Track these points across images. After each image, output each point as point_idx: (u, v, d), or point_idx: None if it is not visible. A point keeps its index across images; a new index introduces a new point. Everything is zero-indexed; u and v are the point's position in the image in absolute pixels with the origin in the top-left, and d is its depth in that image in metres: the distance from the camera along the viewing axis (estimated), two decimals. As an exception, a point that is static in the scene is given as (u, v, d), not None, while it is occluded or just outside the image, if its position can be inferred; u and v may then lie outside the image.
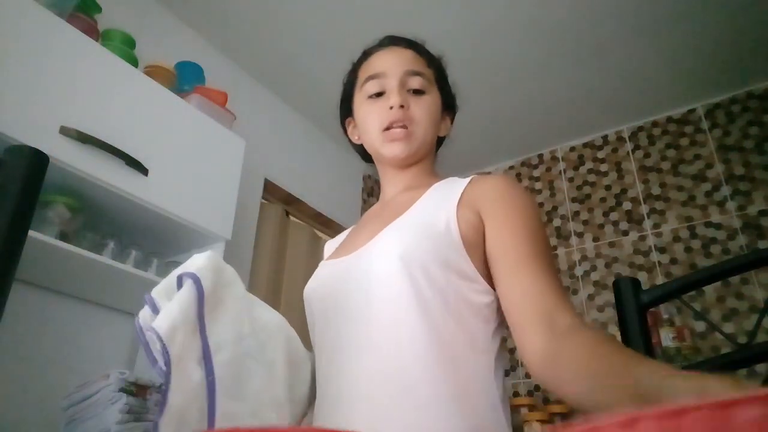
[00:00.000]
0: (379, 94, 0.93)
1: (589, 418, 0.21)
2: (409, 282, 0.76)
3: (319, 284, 0.95)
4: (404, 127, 0.90)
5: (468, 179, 0.88)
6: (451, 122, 1.06)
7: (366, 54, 1.03)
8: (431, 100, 0.95)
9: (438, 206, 0.84)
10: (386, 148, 0.92)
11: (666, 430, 0.18)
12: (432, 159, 1.02)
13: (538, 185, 3.13)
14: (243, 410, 0.71)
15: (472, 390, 0.74)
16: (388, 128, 0.91)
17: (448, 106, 1.02)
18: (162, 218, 1.73)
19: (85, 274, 1.57)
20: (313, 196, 2.86)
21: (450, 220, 0.81)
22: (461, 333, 0.76)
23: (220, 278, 0.76)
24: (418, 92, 0.93)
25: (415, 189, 0.93)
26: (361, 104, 0.96)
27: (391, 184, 0.99)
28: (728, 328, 2.36)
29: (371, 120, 0.93)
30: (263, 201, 2.59)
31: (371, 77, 0.95)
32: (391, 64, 0.94)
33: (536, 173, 3.17)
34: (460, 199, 0.84)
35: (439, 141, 1.05)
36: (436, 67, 1.00)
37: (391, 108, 0.90)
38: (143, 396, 1.42)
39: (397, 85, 0.92)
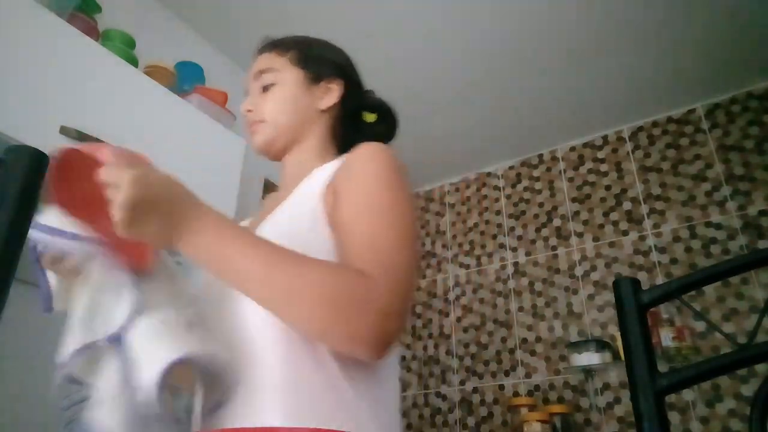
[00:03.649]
0: None
1: None
2: None
3: None
4: (259, 122, 0.95)
5: (342, 158, 0.84)
6: (346, 86, 0.99)
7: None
8: (281, 87, 0.95)
9: (303, 200, 0.82)
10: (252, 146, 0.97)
11: None
12: (320, 140, 0.96)
13: (538, 185, 3.13)
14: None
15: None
16: (248, 130, 0.97)
17: (322, 75, 0.97)
18: (162, 218, 1.73)
19: (85, 274, 1.56)
20: (313, 196, 2.85)
21: (316, 211, 0.79)
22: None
23: None
24: (266, 88, 0.95)
25: (298, 177, 0.91)
26: None
27: (281, 173, 0.99)
28: (728, 328, 2.36)
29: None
30: (263, 201, 2.59)
31: (244, 94, 1.01)
32: (247, 77, 1.00)
33: (536, 173, 3.17)
34: (328, 184, 0.81)
35: (351, 114, 1.00)
36: (295, 50, 0.98)
37: (244, 113, 0.97)
38: (143, 396, 1.42)
39: (249, 93, 0.98)
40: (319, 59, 0.98)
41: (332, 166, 0.84)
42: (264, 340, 0.73)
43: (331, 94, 0.97)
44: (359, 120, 1.02)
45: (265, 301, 0.67)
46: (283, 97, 0.94)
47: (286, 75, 0.95)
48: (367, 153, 0.81)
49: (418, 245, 0.76)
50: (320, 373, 0.71)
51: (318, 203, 0.79)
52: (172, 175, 0.70)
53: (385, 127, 1.04)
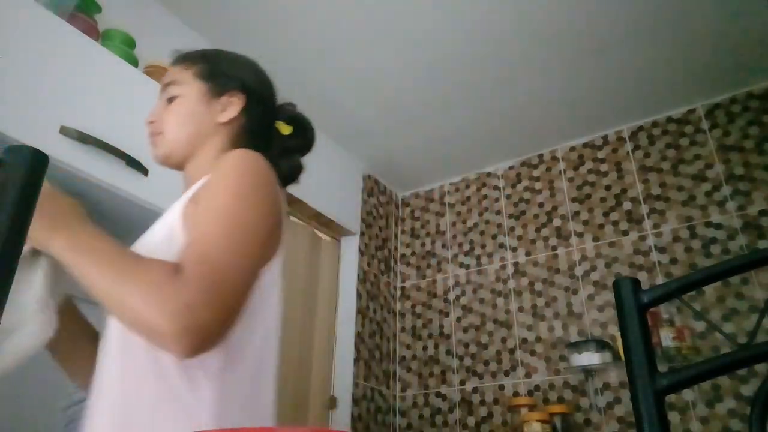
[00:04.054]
0: None
1: None
2: None
3: None
4: (159, 134, 0.97)
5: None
6: (248, 101, 0.99)
7: None
8: (183, 100, 0.96)
9: (172, 211, 0.85)
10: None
11: None
12: (216, 151, 0.96)
13: (538, 185, 3.13)
14: None
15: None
16: (149, 141, 1.00)
17: (224, 89, 0.98)
18: (162, 218, 1.73)
19: (85, 274, 1.56)
20: (313, 196, 2.86)
21: (173, 222, 0.81)
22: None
23: None
24: (170, 100, 0.97)
25: (188, 187, 0.94)
26: None
27: (182, 183, 1.01)
28: (728, 328, 2.36)
29: None
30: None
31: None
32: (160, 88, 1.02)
33: (536, 173, 3.17)
34: (192, 195, 0.83)
35: (255, 128, 1.01)
36: (201, 64, 1.00)
37: (147, 124, 1.00)
38: (143, 396, 1.42)
39: (156, 104, 1.00)
40: (222, 73, 0.99)
41: (202, 182, 0.85)
42: (112, 351, 0.78)
43: (231, 108, 0.97)
44: (273, 133, 1.02)
45: (103, 300, 0.70)
46: (183, 111, 0.96)
47: (189, 88, 0.97)
48: (225, 160, 0.83)
49: (257, 248, 0.77)
50: (160, 384, 0.73)
51: (177, 215, 0.81)
52: (75, 202, 0.81)
53: (300, 140, 1.05)
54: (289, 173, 1.03)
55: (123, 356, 0.76)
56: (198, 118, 0.96)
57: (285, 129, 1.03)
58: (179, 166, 0.99)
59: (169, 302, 0.64)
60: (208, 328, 0.66)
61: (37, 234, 0.73)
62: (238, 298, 0.71)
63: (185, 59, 1.01)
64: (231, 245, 0.72)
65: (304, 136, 1.06)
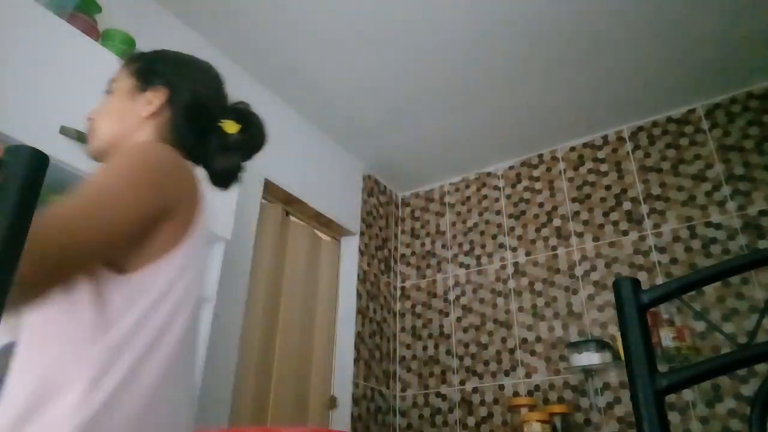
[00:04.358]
0: None
1: None
2: None
3: None
4: (92, 130, 0.99)
5: None
6: (171, 94, 0.98)
7: None
8: (113, 96, 0.99)
9: None
10: None
11: None
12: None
13: (538, 185, 3.13)
14: None
15: None
16: None
17: (148, 82, 0.98)
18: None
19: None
20: (313, 196, 2.86)
21: None
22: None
23: None
24: (107, 95, 1.00)
25: None
26: None
27: None
28: (728, 328, 2.36)
29: None
30: (263, 201, 2.60)
31: None
32: None
33: (536, 173, 3.17)
34: None
35: (173, 124, 0.98)
36: (137, 62, 1.02)
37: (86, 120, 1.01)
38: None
39: None
40: (151, 70, 1.00)
41: None
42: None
43: (154, 102, 0.97)
44: (212, 130, 1.01)
45: None
46: (111, 107, 0.98)
47: (121, 84, 0.99)
48: (122, 149, 0.88)
49: (119, 226, 0.77)
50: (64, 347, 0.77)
51: None
52: None
53: (244, 139, 1.02)
54: (224, 172, 1.01)
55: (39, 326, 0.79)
56: (124, 114, 0.97)
57: (230, 127, 1.02)
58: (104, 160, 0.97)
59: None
60: (45, 262, 0.67)
61: None
62: (72, 260, 0.72)
63: (129, 59, 1.04)
64: (89, 216, 0.73)
65: (249, 135, 1.03)
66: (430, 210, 3.46)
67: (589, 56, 2.53)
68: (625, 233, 2.77)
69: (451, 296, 3.14)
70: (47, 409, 0.72)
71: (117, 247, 0.78)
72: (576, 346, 2.51)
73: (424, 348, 3.10)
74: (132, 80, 0.99)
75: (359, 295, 3.01)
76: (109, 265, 0.79)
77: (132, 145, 0.89)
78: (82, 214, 0.73)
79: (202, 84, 1.05)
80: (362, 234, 3.17)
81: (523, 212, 3.11)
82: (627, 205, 2.83)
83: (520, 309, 2.90)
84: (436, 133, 3.07)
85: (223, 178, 1.02)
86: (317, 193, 2.90)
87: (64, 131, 1.45)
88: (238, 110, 1.06)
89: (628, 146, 2.94)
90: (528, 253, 3.00)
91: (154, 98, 0.97)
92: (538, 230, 3.03)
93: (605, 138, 3.03)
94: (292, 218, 2.85)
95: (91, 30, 1.73)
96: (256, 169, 2.52)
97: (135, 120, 0.96)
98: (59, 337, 0.78)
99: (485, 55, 2.54)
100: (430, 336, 3.11)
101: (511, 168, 3.27)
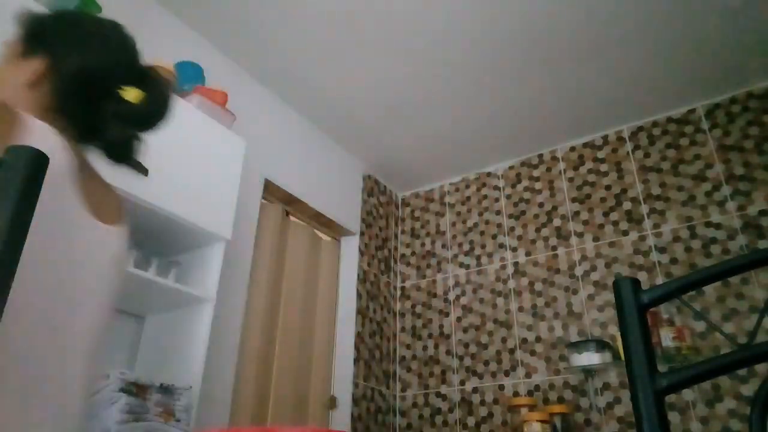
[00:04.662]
0: None
1: None
2: None
3: None
4: None
5: None
6: (49, 61, 0.91)
7: None
8: (3, 59, 0.93)
9: None
10: None
11: None
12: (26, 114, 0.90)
13: (538, 185, 3.13)
14: None
15: None
16: None
17: (30, 50, 0.92)
18: (162, 218, 1.73)
19: (85, 274, 1.56)
20: (313, 196, 2.86)
21: None
22: None
23: None
24: None
25: None
26: None
27: None
28: (728, 328, 2.36)
29: None
30: (263, 201, 2.60)
31: None
32: None
33: (536, 173, 3.17)
34: None
35: (56, 92, 0.91)
36: (26, 26, 0.95)
37: None
38: (143, 396, 1.42)
39: None
40: (34, 35, 0.93)
41: None
42: None
43: (29, 70, 0.91)
44: (105, 96, 0.92)
45: None
46: None
47: (9, 49, 0.93)
48: None
49: None
50: None
51: None
52: None
53: (143, 107, 0.93)
54: (117, 143, 0.94)
55: None
56: (5, 81, 0.91)
57: (130, 94, 0.93)
58: None
59: None
60: None
61: None
62: None
63: (21, 21, 0.95)
64: None
65: (149, 104, 0.94)
66: (430, 210, 3.46)
67: (589, 56, 2.53)
68: (625, 233, 2.77)
69: (451, 296, 3.14)
70: None
71: None
72: (576, 346, 2.51)
73: (424, 348, 3.10)
74: (18, 45, 0.93)
75: (359, 295, 3.01)
76: None
77: None
78: None
79: (97, 50, 0.95)
80: (362, 234, 3.17)
81: (523, 212, 3.11)
82: (627, 205, 2.83)
83: (520, 309, 2.90)
84: (436, 133, 3.07)
85: (117, 150, 0.95)
86: (317, 193, 2.90)
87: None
88: (142, 77, 0.96)
89: (628, 146, 2.94)
90: (528, 253, 3.00)
91: (32, 65, 0.91)
92: (538, 230, 3.03)
93: (605, 138, 3.03)
94: (292, 218, 2.85)
95: (91, 30, 1.73)
96: (257, 168, 2.52)
97: (17, 88, 0.90)
98: None
99: (485, 56, 2.54)
100: (430, 336, 3.11)
101: (511, 168, 3.27)
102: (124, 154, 0.96)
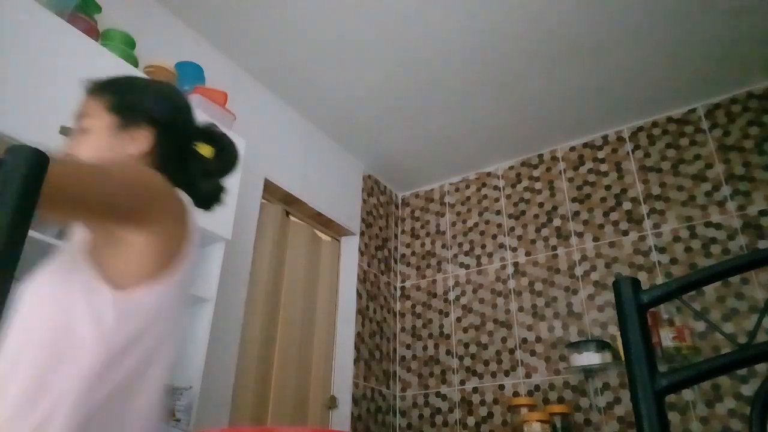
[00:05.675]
0: None
1: None
2: None
3: None
4: None
5: None
6: (159, 132, 1.01)
7: None
8: (94, 134, 0.98)
9: None
10: None
11: None
12: None
13: (538, 185, 3.13)
14: None
15: None
16: None
17: (134, 121, 1.00)
18: (162, 218, 1.73)
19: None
20: (313, 196, 2.86)
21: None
22: None
23: None
24: (83, 133, 0.99)
25: None
26: None
27: None
28: (728, 328, 2.36)
29: None
30: (263, 201, 2.60)
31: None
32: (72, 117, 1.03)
33: (536, 173, 3.17)
34: None
35: (170, 155, 1.02)
36: (111, 96, 1.01)
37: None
38: (143, 396, 1.42)
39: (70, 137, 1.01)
40: (130, 106, 1.01)
41: None
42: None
43: (140, 141, 0.99)
44: (192, 155, 1.05)
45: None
46: (95, 146, 0.97)
47: (99, 122, 0.99)
48: None
49: (113, 181, 0.84)
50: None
51: None
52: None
53: (221, 162, 1.06)
54: (209, 195, 1.06)
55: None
56: (110, 152, 0.97)
57: (205, 150, 1.05)
58: None
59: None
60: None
61: None
62: (70, 189, 0.76)
63: (96, 90, 1.02)
64: (97, 180, 0.80)
65: (224, 158, 1.06)
66: (430, 210, 3.46)
67: (589, 56, 2.53)
68: (625, 233, 2.77)
69: (451, 296, 3.14)
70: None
71: (109, 212, 0.83)
72: (576, 346, 2.51)
73: (424, 348, 3.10)
74: (111, 117, 0.99)
75: (359, 295, 3.01)
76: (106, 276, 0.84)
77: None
78: (89, 169, 0.80)
79: (177, 111, 1.05)
80: (362, 234, 3.17)
81: (523, 212, 3.11)
82: (627, 205, 2.83)
83: (520, 309, 2.90)
84: (436, 133, 3.07)
85: (209, 201, 1.06)
86: (317, 193, 2.90)
87: (64, 131, 1.45)
88: (210, 133, 1.07)
89: (628, 146, 2.94)
90: (528, 253, 3.00)
91: (141, 137, 0.99)
92: (538, 230, 3.03)
93: (605, 138, 3.03)
94: (292, 218, 2.85)
95: (91, 30, 1.73)
96: (257, 169, 2.52)
97: (122, 158, 0.98)
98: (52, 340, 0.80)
99: (485, 55, 2.54)
100: (430, 336, 3.11)
101: (511, 168, 3.27)
102: (214, 203, 1.07)
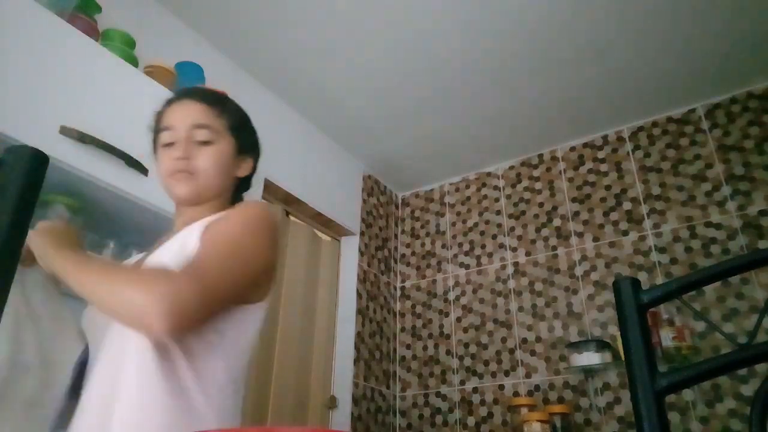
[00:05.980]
0: (171, 144, 1.04)
1: None
2: None
3: None
4: (189, 173, 1.03)
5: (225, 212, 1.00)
6: (255, 162, 1.15)
7: (166, 104, 1.12)
8: (218, 149, 1.05)
9: (186, 234, 0.95)
10: (172, 189, 1.05)
11: None
12: (225, 199, 1.10)
13: (538, 185, 3.13)
14: None
15: None
16: (173, 174, 1.04)
17: (246, 149, 1.11)
18: (162, 218, 1.72)
19: (85, 274, 1.56)
20: (313, 196, 2.86)
21: (186, 241, 0.92)
22: None
23: None
24: (204, 143, 1.04)
25: (193, 220, 1.02)
26: (158, 149, 1.08)
27: (179, 218, 1.10)
28: (728, 328, 2.36)
29: (162, 166, 1.06)
30: (263, 201, 2.60)
31: (164, 128, 1.06)
32: (180, 118, 1.05)
33: (536, 173, 3.17)
34: (207, 225, 0.95)
35: (244, 182, 1.15)
36: (230, 116, 1.09)
37: (177, 159, 1.03)
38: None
39: (183, 138, 1.03)
40: (246, 134, 1.12)
41: (218, 216, 0.99)
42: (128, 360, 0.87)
43: (246, 166, 1.12)
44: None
45: (97, 297, 0.84)
46: (218, 162, 1.04)
47: (225, 141, 1.06)
48: (248, 206, 1.01)
49: (243, 278, 0.92)
50: (170, 382, 0.85)
51: (194, 237, 0.93)
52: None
53: (250, 178, 1.18)
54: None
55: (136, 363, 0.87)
56: (228, 171, 1.07)
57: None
58: (193, 204, 1.06)
59: (161, 286, 0.77)
60: (188, 315, 0.78)
61: (42, 253, 0.91)
62: (213, 305, 0.84)
63: (212, 103, 1.08)
64: (222, 270, 0.86)
65: (253, 173, 1.19)
66: (430, 210, 3.46)
67: (589, 56, 2.53)
68: (625, 233, 2.77)
69: (451, 296, 3.14)
70: None
71: (242, 296, 0.93)
72: (576, 346, 2.51)
73: (424, 348, 3.10)
74: (233, 139, 1.07)
75: (359, 295, 3.01)
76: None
77: (253, 204, 1.03)
78: (220, 269, 0.86)
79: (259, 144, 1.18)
80: (362, 234, 3.17)
81: (523, 212, 3.11)
82: (627, 205, 2.83)
83: (520, 309, 2.90)
84: (436, 133, 3.07)
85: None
86: (317, 193, 2.90)
87: (64, 131, 1.45)
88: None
89: (628, 146, 2.94)
90: (528, 253, 3.00)
91: (247, 165, 1.12)
92: (538, 230, 3.03)
93: (605, 138, 3.03)
94: (292, 218, 2.85)
95: (91, 30, 1.73)
96: (257, 169, 2.51)
97: (232, 177, 1.09)
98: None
99: (485, 55, 2.54)
100: (430, 336, 3.11)
101: (511, 168, 3.27)
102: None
